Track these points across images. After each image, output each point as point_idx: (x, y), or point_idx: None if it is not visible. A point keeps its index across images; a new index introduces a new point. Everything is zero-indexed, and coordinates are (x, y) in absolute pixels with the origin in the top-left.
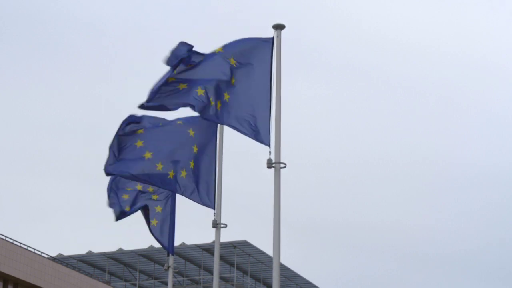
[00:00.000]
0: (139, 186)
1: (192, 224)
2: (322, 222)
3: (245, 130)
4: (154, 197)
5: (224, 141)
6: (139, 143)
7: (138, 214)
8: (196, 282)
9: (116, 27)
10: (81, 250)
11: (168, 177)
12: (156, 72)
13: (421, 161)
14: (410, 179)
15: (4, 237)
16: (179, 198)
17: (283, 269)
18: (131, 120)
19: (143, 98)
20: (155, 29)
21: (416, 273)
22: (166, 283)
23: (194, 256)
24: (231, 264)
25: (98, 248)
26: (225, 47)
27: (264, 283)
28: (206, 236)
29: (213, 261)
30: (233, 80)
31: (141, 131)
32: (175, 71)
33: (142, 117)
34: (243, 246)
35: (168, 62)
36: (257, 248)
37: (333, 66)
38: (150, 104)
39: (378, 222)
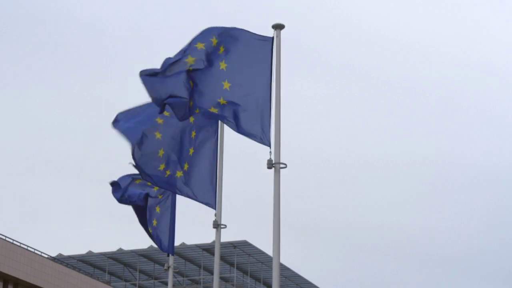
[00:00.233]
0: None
1: (192, 224)
2: (322, 222)
3: (245, 131)
4: (160, 196)
5: (225, 141)
6: (158, 135)
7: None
8: (196, 282)
9: (116, 27)
10: (81, 250)
11: (165, 176)
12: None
13: (421, 161)
14: (410, 179)
15: (4, 237)
16: (179, 198)
17: (283, 269)
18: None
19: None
20: (155, 29)
21: (416, 273)
22: (166, 283)
23: (194, 256)
24: (231, 264)
25: (98, 248)
26: (225, 50)
27: (264, 283)
28: (206, 236)
29: (213, 261)
30: (228, 84)
31: (160, 121)
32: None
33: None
34: (243, 246)
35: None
36: (257, 248)
37: (333, 66)
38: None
39: (378, 222)
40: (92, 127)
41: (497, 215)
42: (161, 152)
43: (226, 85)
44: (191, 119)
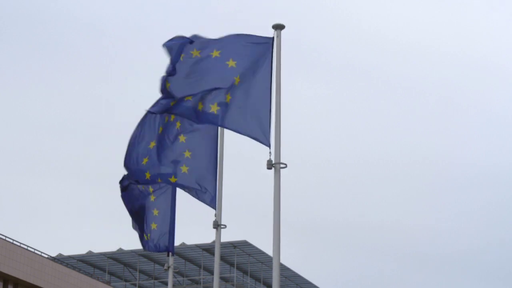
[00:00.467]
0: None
1: (192, 224)
2: (322, 222)
3: (245, 131)
4: (152, 197)
5: (225, 141)
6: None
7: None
8: (196, 282)
9: (116, 27)
10: (81, 250)
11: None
12: (156, 72)
13: (421, 161)
14: (410, 179)
15: (4, 237)
16: (179, 199)
17: (283, 269)
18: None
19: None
20: (155, 29)
21: (416, 273)
22: (166, 283)
23: (194, 256)
24: (231, 264)
25: (98, 248)
26: (222, 50)
27: (264, 283)
28: (206, 236)
29: (213, 261)
30: (237, 81)
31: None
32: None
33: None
34: (243, 246)
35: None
36: (257, 248)
37: (333, 66)
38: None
39: (378, 222)
40: (92, 127)
41: (497, 215)
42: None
43: (237, 80)
44: (178, 124)
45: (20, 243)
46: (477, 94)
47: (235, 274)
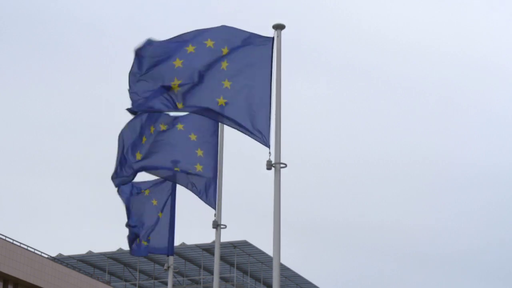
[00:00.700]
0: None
1: (192, 224)
2: (322, 222)
3: (245, 130)
4: (154, 202)
5: (225, 141)
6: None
7: None
8: (196, 282)
9: (116, 27)
10: (81, 250)
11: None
12: None
13: (421, 161)
14: (410, 179)
15: (4, 237)
16: (179, 199)
17: (283, 269)
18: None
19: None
20: (155, 29)
21: (416, 273)
22: (166, 283)
23: (194, 256)
24: (231, 264)
25: (98, 248)
26: (216, 41)
27: (264, 283)
28: (206, 236)
29: (213, 261)
30: (229, 83)
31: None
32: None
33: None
34: (243, 246)
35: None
36: (257, 248)
37: (333, 66)
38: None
39: (378, 222)
40: (92, 127)
41: (497, 215)
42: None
43: (227, 84)
44: (180, 126)
45: (20, 243)
46: (477, 94)
47: (235, 274)
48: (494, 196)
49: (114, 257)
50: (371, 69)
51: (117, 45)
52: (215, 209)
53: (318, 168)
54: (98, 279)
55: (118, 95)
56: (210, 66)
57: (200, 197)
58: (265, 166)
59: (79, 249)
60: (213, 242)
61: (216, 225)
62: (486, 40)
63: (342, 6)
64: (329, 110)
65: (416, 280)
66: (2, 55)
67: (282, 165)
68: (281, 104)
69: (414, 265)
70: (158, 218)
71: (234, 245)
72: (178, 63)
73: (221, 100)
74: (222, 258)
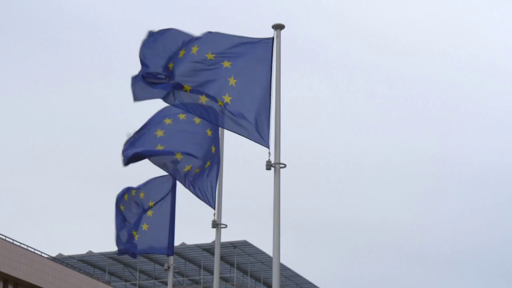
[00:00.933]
0: (133, 192)
1: (192, 224)
2: (322, 222)
3: (244, 132)
4: (151, 203)
5: (225, 141)
6: (159, 133)
7: None
8: (196, 282)
9: (116, 27)
10: (81, 250)
11: (184, 170)
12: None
13: (421, 161)
14: (410, 179)
15: (4, 237)
16: (179, 199)
17: (283, 269)
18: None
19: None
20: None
21: (416, 273)
22: (166, 283)
23: (194, 256)
24: (231, 264)
25: (98, 248)
26: (217, 51)
27: (264, 283)
28: (206, 236)
29: (213, 261)
30: (234, 81)
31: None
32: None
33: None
34: (243, 246)
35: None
36: (257, 248)
37: (333, 66)
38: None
39: (378, 222)
40: (92, 127)
41: (497, 215)
42: (159, 147)
43: (232, 81)
44: (197, 120)
45: (20, 243)
46: (477, 94)
47: (235, 274)
48: (494, 196)
49: (114, 257)
50: (371, 69)
51: (117, 45)
52: (214, 209)
53: (318, 168)
54: (98, 279)
55: (118, 95)
56: (203, 68)
57: (198, 196)
58: (265, 166)
59: (79, 249)
60: (213, 242)
61: (216, 224)
62: (486, 40)
63: (342, 6)
64: (328, 110)
65: (416, 280)
66: (2, 55)
67: (281, 165)
68: (280, 104)
69: (414, 265)
70: (142, 216)
71: (234, 245)
72: (170, 65)
73: (227, 98)
74: (222, 258)
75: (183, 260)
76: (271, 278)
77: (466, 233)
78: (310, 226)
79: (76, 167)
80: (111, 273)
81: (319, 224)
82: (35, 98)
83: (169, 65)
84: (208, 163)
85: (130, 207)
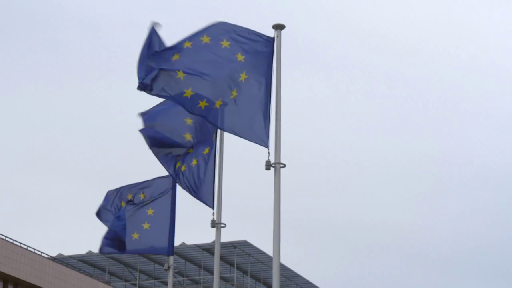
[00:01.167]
0: (129, 196)
1: (192, 224)
2: (322, 222)
3: (243, 133)
4: (148, 201)
5: (224, 141)
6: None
7: None
8: (196, 282)
9: (116, 27)
10: (81, 250)
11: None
12: None
13: (421, 161)
14: (410, 179)
15: (4, 237)
16: (179, 199)
17: (283, 269)
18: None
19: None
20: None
21: (416, 273)
22: (166, 283)
23: (194, 256)
24: (231, 264)
25: (98, 248)
26: (233, 41)
27: (264, 283)
28: (206, 236)
29: (213, 261)
30: (244, 77)
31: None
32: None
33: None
34: (243, 246)
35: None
36: (257, 248)
37: (333, 66)
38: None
39: (378, 222)
40: (92, 127)
41: (497, 215)
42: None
43: (243, 76)
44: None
45: (20, 243)
46: (477, 94)
47: (235, 274)
48: (494, 196)
49: (114, 257)
50: (371, 69)
51: (117, 44)
52: (212, 208)
53: (318, 168)
54: (98, 279)
55: (118, 95)
56: (216, 60)
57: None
58: (264, 166)
59: (79, 249)
60: (213, 242)
61: (214, 224)
62: (486, 40)
63: (342, 6)
64: (328, 110)
65: (416, 280)
66: (2, 55)
67: (281, 165)
68: (281, 104)
69: (414, 265)
70: (146, 214)
71: (234, 245)
72: (176, 56)
73: (234, 93)
74: (222, 258)
75: (183, 260)
76: (271, 278)
77: (466, 233)
78: (310, 226)
79: (76, 167)
80: (111, 273)
81: (319, 224)
82: (35, 98)
83: (172, 58)
84: (207, 150)
85: (129, 207)
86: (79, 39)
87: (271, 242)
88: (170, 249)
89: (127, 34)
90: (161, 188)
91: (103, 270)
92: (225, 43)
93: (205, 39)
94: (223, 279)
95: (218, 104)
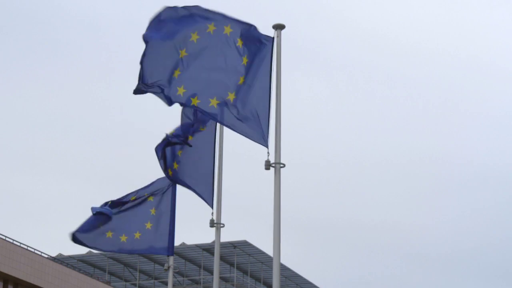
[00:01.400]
0: (133, 198)
1: (192, 224)
2: (322, 222)
3: (244, 132)
4: (150, 198)
5: (225, 140)
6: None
7: None
8: (196, 282)
9: (116, 27)
10: (81, 250)
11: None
12: None
13: (421, 161)
14: (410, 179)
15: (4, 237)
16: (179, 198)
17: (283, 269)
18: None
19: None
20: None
21: (416, 273)
22: (166, 283)
23: (194, 256)
24: (231, 264)
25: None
26: (242, 37)
27: (264, 283)
28: (206, 236)
29: (213, 261)
30: (242, 80)
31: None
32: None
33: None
34: (243, 246)
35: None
36: (257, 248)
37: (333, 66)
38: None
39: (378, 222)
40: (92, 127)
41: (497, 215)
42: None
43: (241, 80)
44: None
45: (20, 243)
46: (477, 94)
47: (235, 274)
48: (494, 196)
49: (114, 257)
50: (371, 69)
51: (117, 44)
52: (212, 207)
53: (318, 168)
54: (98, 279)
55: (118, 95)
56: (216, 60)
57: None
58: (264, 166)
59: (79, 249)
60: (213, 242)
61: (213, 223)
62: (486, 40)
63: (342, 6)
64: (328, 110)
65: (416, 280)
66: (1, 54)
67: (281, 165)
68: (281, 104)
69: (414, 265)
70: (150, 214)
71: (234, 245)
72: (183, 53)
73: (232, 96)
74: (222, 258)
75: (183, 260)
76: (271, 278)
77: (466, 233)
78: (310, 226)
79: (76, 167)
80: (111, 273)
81: (319, 224)
82: (35, 98)
83: (180, 55)
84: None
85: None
86: (79, 39)
87: (271, 242)
88: (170, 249)
89: (127, 34)
90: (161, 185)
91: (103, 270)
92: (228, 30)
93: (211, 28)
94: (223, 279)
95: (214, 102)
